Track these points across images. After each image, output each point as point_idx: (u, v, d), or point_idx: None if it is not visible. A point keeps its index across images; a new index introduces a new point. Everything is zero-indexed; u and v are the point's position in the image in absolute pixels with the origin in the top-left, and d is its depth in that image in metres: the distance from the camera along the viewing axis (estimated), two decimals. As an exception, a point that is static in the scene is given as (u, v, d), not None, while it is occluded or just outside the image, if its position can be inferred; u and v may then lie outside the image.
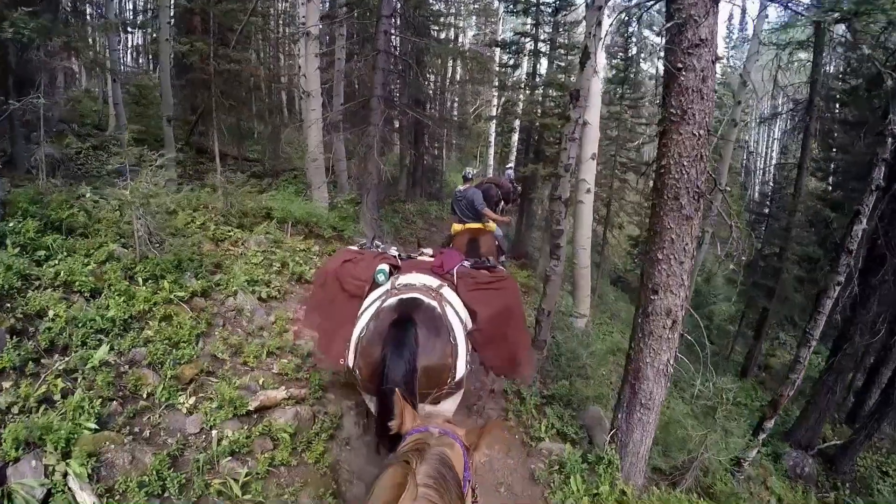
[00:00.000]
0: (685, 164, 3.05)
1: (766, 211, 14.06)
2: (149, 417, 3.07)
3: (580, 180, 6.97)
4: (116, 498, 2.55)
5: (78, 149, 7.54)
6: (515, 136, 15.32)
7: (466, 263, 3.48)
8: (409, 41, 11.01)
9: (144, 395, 3.19)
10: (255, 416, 3.35)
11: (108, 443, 2.76)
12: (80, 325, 3.37)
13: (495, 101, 16.74)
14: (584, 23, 8.11)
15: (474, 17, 22.18)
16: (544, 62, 12.28)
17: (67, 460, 2.58)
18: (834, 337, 7.50)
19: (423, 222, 12.69)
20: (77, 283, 3.68)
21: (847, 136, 11.46)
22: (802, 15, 6.16)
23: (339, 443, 3.48)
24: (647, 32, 14.62)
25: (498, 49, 14.84)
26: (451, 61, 17.72)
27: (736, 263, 3.98)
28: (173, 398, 3.22)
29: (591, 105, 6.61)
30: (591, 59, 4.40)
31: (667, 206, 3.18)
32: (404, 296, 2.63)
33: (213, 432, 3.07)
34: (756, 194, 23.13)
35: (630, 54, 12.88)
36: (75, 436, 2.69)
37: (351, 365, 2.58)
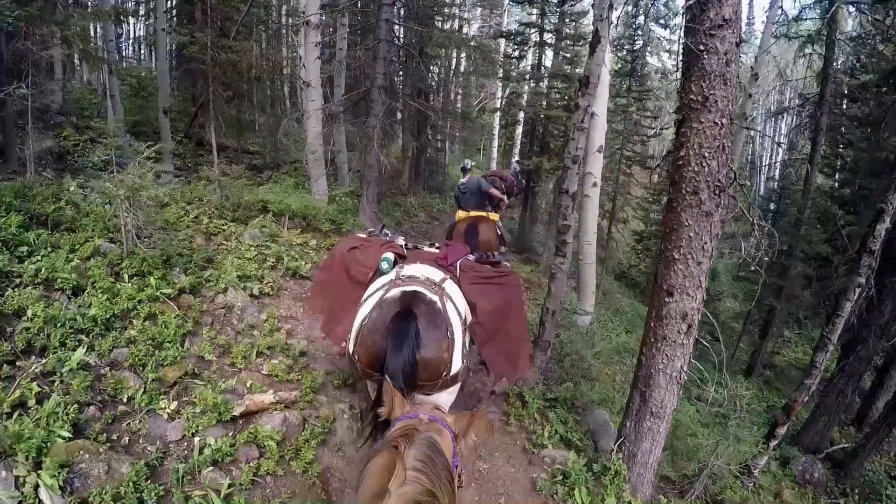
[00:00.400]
0: (706, 155, 2.81)
1: (773, 207, 13.79)
2: (128, 423, 2.89)
3: (586, 173, 6.76)
4: (90, 511, 2.38)
5: (76, 141, 7.39)
6: (519, 129, 15.10)
7: (471, 257, 3.47)
8: (413, 31, 10.76)
9: (124, 400, 3.00)
10: (241, 422, 3.16)
11: (82, 452, 2.57)
12: (59, 324, 3.19)
13: (499, 93, 16.48)
14: (591, 12, 7.85)
15: (479, 9, 21.85)
16: (550, 53, 12.04)
17: (38, 471, 2.40)
18: (846, 339, 7.26)
19: (425, 216, 12.49)
20: (59, 281, 3.50)
21: (857, 132, 11.21)
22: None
23: (330, 449, 3.31)
24: (653, 26, 14.34)
25: (503, 40, 14.57)
26: (455, 52, 17.44)
27: (758, 265, 3.72)
28: (155, 403, 3.03)
29: (599, 95, 6.40)
30: (601, 42, 4.13)
31: (685, 200, 2.95)
32: (407, 288, 2.63)
33: (196, 440, 2.89)
34: (762, 189, 22.86)
35: (636, 47, 12.63)
36: (48, 444, 2.51)
37: (351, 351, 2.60)
